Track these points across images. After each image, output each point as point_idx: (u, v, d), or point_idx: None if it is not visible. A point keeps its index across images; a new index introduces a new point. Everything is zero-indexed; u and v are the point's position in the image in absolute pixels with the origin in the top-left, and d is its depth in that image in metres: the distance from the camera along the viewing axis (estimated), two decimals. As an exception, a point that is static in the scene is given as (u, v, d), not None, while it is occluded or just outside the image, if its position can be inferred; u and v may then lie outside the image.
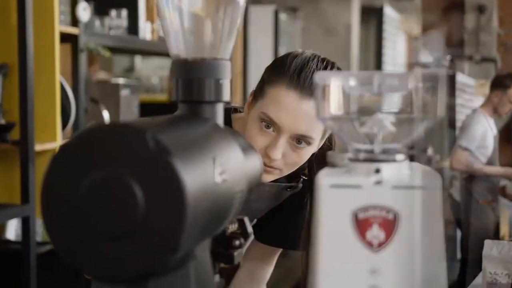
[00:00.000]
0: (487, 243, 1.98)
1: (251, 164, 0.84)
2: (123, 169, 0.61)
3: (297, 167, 1.28)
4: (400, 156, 0.70)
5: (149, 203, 0.60)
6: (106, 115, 2.90)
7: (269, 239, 1.46)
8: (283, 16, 4.91)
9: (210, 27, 0.84)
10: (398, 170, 0.69)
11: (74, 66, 2.66)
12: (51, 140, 2.51)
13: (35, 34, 2.40)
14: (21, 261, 2.34)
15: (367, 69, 7.66)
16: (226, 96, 0.83)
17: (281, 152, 1.23)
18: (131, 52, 3.81)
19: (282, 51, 5.81)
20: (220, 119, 0.83)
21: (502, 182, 4.54)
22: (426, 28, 10.10)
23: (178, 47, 0.83)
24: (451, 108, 6.74)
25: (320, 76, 0.71)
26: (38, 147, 2.43)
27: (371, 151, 0.70)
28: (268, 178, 1.27)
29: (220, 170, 0.70)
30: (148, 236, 0.60)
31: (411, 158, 0.72)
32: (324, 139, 1.31)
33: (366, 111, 0.72)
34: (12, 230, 2.72)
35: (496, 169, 4.37)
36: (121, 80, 3.12)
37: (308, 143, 1.23)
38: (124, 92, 2.98)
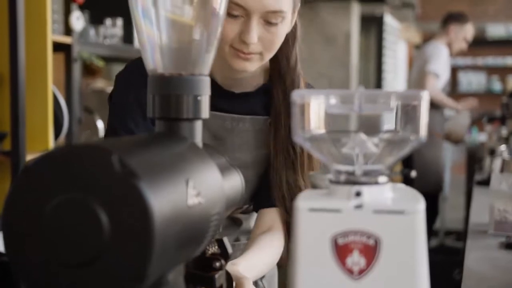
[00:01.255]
0: (495, 176, 1.84)
1: (231, 183, 0.81)
2: (88, 192, 0.58)
3: (276, 48, 1.23)
4: (382, 178, 0.67)
5: (114, 228, 0.57)
6: (100, 125, 2.87)
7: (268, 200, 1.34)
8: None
9: (188, 41, 0.81)
10: (380, 193, 0.66)
11: (67, 76, 2.64)
12: (43, 150, 2.48)
13: (27, 43, 2.38)
14: (11, 273, 2.31)
15: (368, 77, 7.64)
16: (205, 113, 0.80)
17: (256, 35, 1.18)
18: (127, 61, 3.79)
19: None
20: (198, 137, 0.80)
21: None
22: (426, 36, 10.12)
23: (155, 62, 0.81)
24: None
25: (298, 94, 0.68)
26: (29, 157, 2.40)
27: (352, 173, 0.67)
28: (250, 66, 1.23)
29: (194, 192, 0.67)
30: (113, 263, 0.57)
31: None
32: (296, 14, 1.27)
33: (348, 130, 0.69)
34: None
35: (455, 104, 4.54)
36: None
37: (281, 19, 1.19)
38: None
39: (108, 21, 2.97)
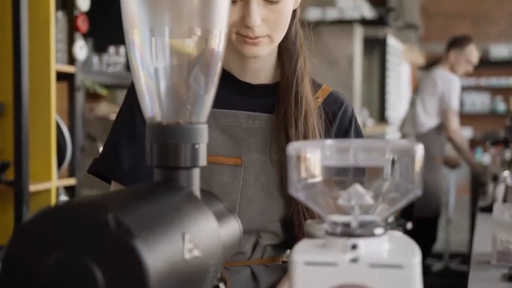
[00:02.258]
0: (497, 206, 1.82)
1: (228, 231, 0.81)
2: (84, 251, 0.58)
3: (284, 28, 1.18)
4: (378, 230, 0.67)
5: (110, 287, 0.58)
6: (103, 152, 2.87)
7: None
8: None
9: (185, 90, 0.81)
10: (376, 245, 0.66)
11: (70, 105, 2.65)
12: (46, 180, 2.48)
13: (31, 72, 2.39)
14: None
15: (371, 99, 7.65)
16: (203, 161, 0.81)
17: (259, 17, 1.13)
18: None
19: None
20: (196, 185, 0.80)
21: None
22: (429, 57, 10.16)
23: (153, 110, 0.81)
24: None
25: (293, 146, 0.68)
26: (33, 187, 2.40)
27: (348, 225, 0.67)
28: (260, 50, 1.17)
29: (190, 245, 0.67)
30: (109, 322, 0.57)
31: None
32: None
33: (344, 181, 0.69)
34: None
35: (471, 159, 4.60)
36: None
37: None
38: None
39: (112, 49, 3.00)
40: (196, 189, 0.80)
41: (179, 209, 0.70)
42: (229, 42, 1.12)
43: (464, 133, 10.24)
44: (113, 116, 1.30)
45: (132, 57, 0.81)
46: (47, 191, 2.49)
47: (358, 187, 0.68)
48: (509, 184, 2.87)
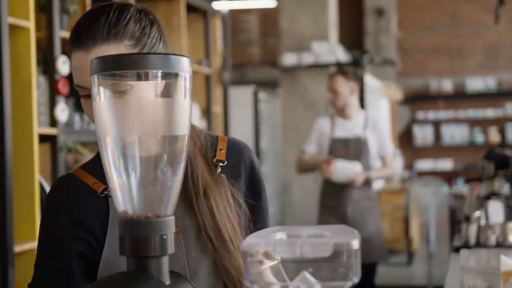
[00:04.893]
0: (464, 253, 1.89)
1: (195, 313, 0.90)
2: None
3: None
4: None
5: None
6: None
7: None
8: (262, 95, 5.04)
9: (154, 186, 0.91)
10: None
11: (53, 165, 2.74)
12: (31, 240, 2.55)
13: (14, 135, 2.48)
14: None
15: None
16: (171, 249, 0.90)
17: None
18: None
19: (263, 129, 5.94)
20: (165, 270, 0.89)
21: None
22: (407, 91, 10.37)
23: (125, 205, 0.90)
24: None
25: (248, 243, 0.78)
26: (17, 248, 2.47)
27: (298, 310, 0.77)
28: None
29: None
30: None
31: None
32: None
33: (295, 271, 0.79)
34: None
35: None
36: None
37: (129, 86, 1.13)
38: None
39: (92, 107, 3.10)
40: (165, 275, 0.89)
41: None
42: None
43: (445, 165, 10.43)
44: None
45: (104, 159, 0.91)
46: (32, 251, 2.56)
47: (306, 275, 0.78)
48: (481, 224, 2.97)
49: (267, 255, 0.78)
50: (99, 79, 0.88)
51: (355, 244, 0.75)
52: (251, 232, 1.28)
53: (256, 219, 1.34)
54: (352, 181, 3.94)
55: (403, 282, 6.09)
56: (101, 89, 0.89)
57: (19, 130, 2.54)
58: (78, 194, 1.29)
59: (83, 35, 1.19)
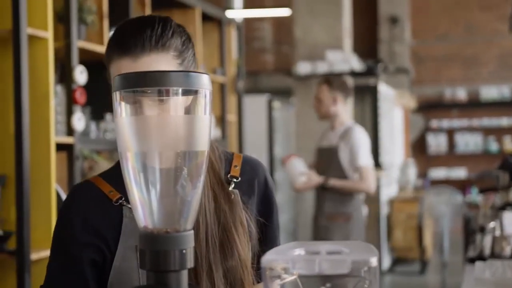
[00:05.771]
0: (479, 265, 1.90)
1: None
2: None
3: None
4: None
5: None
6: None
7: None
8: (276, 104, 5.05)
9: (174, 200, 0.92)
10: None
11: (70, 174, 2.76)
12: (47, 248, 2.57)
13: (32, 145, 2.51)
14: None
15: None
16: (190, 263, 0.91)
17: None
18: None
19: (277, 137, 5.95)
20: (184, 284, 0.90)
21: None
22: (421, 100, 10.35)
23: (146, 220, 0.92)
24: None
25: (267, 259, 0.79)
26: (34, 255, 2.49)
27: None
28: None
29: None
30: None
31: None
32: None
33: (313, 287, 0.80)
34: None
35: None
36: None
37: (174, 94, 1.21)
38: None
39: (109, 116, 3.13)
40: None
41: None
42: None
43: (458, 173, 10.38)
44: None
45: (125, 173, 0.92)
46: (48, 259, 2.58)
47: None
48: (496, 235, 2.95)
49: (286, 271, 0.79)
50: (121, 96, 0.90)
51: (374, 261, 0.76)
52: (258, 253, 1.29)
53: (265, 240, 1.34)
54: (293, 182, 3.91)
55: (416, 292, 6.08)
56: (123, 105, 0.91)
57: (36, 139, 2.56)
58: (94, 201, 1.30)
59: (131, 42, 1.20)
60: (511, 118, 10.35)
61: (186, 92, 0.90)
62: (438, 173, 10.54)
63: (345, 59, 5.43)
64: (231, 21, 4.80)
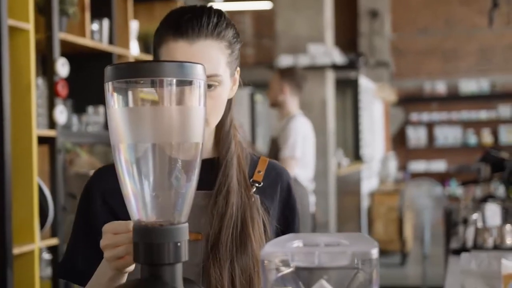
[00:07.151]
0: (465, 256, 1.89)
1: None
2: None
3: (220, 112, 1.23)
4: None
5: None
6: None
7: None
8: (258, 97, 5.03)
9: (167, 193, 0.91)
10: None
11: (52, 167, 2.73)
12: (29, 242, 2.55)
13: (13, 138, 2.47)
14: None
15: (345, 138, 7.78)
16: (185, 256, 0.90)
17: None
18: (109, 146, 3.89)
19: (259, 130, 5.94)
20: (179, 278, 0.89)
21: None
22: (401, 93, 10.39)
23: (139, 213, 0.90)
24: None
25: (266, 252, 0.78)
26: (16, 250, 2.46)
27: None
28: None
29: None
30: None
31: None
32: (235, 74, 1.28)
33: (312, 279, 0.79)
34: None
35: None
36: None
37: (218, 82, 1.20)
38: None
39: (91, 109, 3.09)
40: (179, 282, 0.89)
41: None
42: None
43: (438, 166, 10.46)
44: (91, 173, 1.36)
45: (118, 165, 0.91)
46: (31, 253, 2.55)
47: (324, 283, 0.78)
48: (479, 226, 2.97)
49: (285, 263, 0.78)
50: (113, 86, 0.88)
51: (374, 253, 0.75)
52: None
53: None
54: None
55: (396, 283, 6.11)
56: (115, 95, 0.89)
57: (18, 132, 2.53)
58: (113, 183, 1.28)
59: (188, 26, 1.19)
60: (490, 111, 10.43)
61: (180, 83, 0.89)
62: (418, 166, 10.61)
63: (326, 52, 5.42)
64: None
